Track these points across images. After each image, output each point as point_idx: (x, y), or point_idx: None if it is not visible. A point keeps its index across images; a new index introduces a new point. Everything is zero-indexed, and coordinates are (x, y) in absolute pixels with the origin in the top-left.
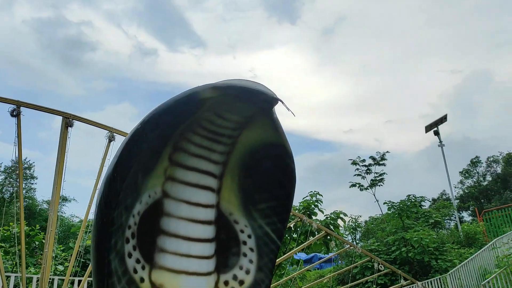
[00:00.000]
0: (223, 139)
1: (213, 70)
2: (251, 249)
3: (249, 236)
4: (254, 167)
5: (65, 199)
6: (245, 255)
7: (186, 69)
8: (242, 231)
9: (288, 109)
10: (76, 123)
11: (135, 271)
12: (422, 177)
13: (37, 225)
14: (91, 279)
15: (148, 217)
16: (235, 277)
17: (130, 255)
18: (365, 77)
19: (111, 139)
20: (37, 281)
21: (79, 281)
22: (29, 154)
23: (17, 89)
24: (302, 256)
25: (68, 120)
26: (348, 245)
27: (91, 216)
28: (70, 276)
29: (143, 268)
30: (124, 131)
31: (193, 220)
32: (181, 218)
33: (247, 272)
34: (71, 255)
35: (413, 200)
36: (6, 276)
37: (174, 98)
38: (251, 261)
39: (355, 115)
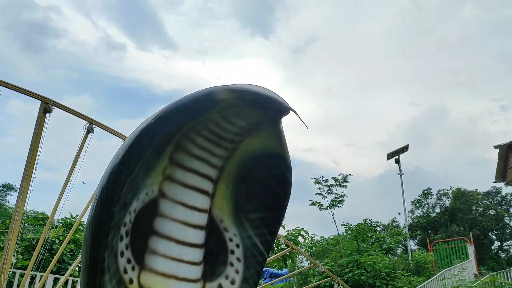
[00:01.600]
0: (225, 144)
1: (180, 73)
2: (238, 259)
3: (237, 246)
4: (251, 175)
5: (10, 187)
6: (232, 264)
7: (153, 68)
8: (231, 240)
9: (301, 120)
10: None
11: (125, 271)
12: (374, 202)
13: None
14: (55, 275)
15: (143, 216)
16: (220, 286)
17: (122, 254)
18: (329, 99)
19: (89, 130)
20: None
21: (41, 277)
22: None
23: None
24: None
25: (47, 106)
26: (312, 263)
27: (59, 212)
28: (32, 271)
29: (133, 268)
30: (104, 123)
31: (187, 223)
32: (175, 220)
33: (232, 282)
34: (23, 247)
35: (369, 224)
36: None
37: (191, 96)
38: (237, 272)
39: (316, 135)
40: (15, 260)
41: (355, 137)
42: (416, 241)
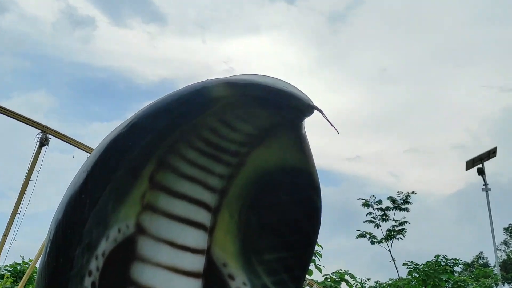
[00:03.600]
0: (226, 157)
1: (172, 56)
2: None
3: None
4: (264, 200)
5: None
6: None
7: (134, 51)
8: None
9: (330, 123)
10: None
11: None
12: (450, 231)
13: None
14: None
15: (115, 260)
16: None
17: None
18: (382, 85)
19: (43, 142)
20: None
21: None
22: None
23: None
24: None
25: None
26: None
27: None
28: None
29: None
30: (62, 132)
31: (176, 270)
32: (160, 265)
33: None
34: None
35: (443, 263)
36: None
37: (176, 95)
38: None
39: (365, 138)
40: None
41: (421, 139)
42: None
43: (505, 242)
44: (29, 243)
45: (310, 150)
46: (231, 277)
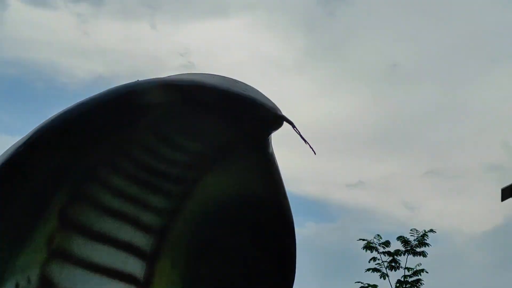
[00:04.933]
0: (167, 185)
1: (109, 46)
2: None
3: None
4: (218, 243)
5: None
6: None
7: (55, 39)
8: None
9: (304, 139)
10: None
11: None
12: (483, 281)
13: None
14: None
15: None
16: None
17: None
18: (393, 85)
19: None
20: None
21: None
22: None
23: None
24: None
25: None
26: None
27: None
28: None
29: None
30: None
31: None
32: None
33: None
34: None
35: None
36: None
37: (91, 102)
38: None
39: (370, 157)
40: None
41: (444, 159)
42: None
43: None
44: None
45: (279, 174)
46: None
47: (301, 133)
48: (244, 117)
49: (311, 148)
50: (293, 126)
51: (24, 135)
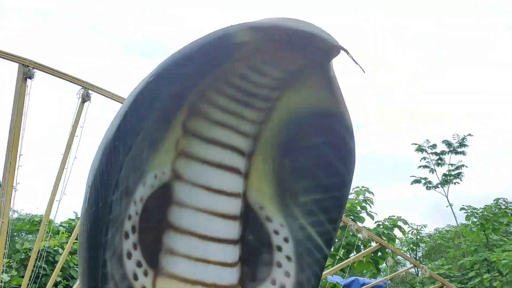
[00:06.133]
0: (257, 103)
1: None
2: (288, 258)
3: (286, 240)
4: (297, 143)
5: None
6: (279, 265)
7: None
8: (276, 232)
9: (355, 62)
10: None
11: (136, 278)
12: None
13: None
14: None
15: (153, 205)
16: None
17: (129, 256)
18: None
19: (85, 98)
20: None
21: None
22: None
23: None
24: (338, 279)
25: (27, 69)
26: (412, 265)
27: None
28: None
29: (145, 274)
30: (104, 88)
31: (213, 213)
32: (197, 209)
33: None
34: (17, 261)
35: (503, 207)
36: None
37: (197, 43)
38: (287, 274)
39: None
40: (8, 278)
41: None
42: None
43: None
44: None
45: (340, 91)
46: (269, 219)
47: (353, 57)
48: (309, 49)
49: (361, 68)
50: (347, 52)
51: (154, 68)
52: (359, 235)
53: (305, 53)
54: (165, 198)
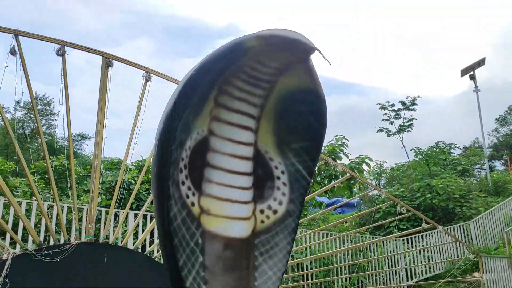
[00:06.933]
0: (262, 84)
1: None
2: (284, 184)
3: (283, 172)
4: (289, 110)
5: (84, 137)
6: (278, 188)
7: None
8: (276, 167)
9: (324, 58)
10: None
11: (187, 196)
12: (455, 124)
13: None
14: (134, 211)
15: (196, 151)
16: (269, 207)
17: (183, 183)
18: None
19: (147, 79)
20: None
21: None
22: (44, 89)
23: (22, 18)
24: (324, 200)
25: (108, 60)
26: (372, 188)
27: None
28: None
29: (193, 194)
30: (160, 71)
31: (235, 155)
32: (225, 153)
33: (280, 203)
34: (104, 189)
35: (442, 147)
36: (49, 205)
37: (222, 48)
38: (283, 194)
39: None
40: (100, 200)
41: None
42: (502, 161)
43: (496, 129)
44: (145, 147)
45: (317, 75)
46: (271, 159)
47: (323, 54)
48: (295, 49)
49: (328, 61)
50: (319, 52)
51: (195, 64)
52: (337, 169)
53: (292, 52)
54: (204, 146)
